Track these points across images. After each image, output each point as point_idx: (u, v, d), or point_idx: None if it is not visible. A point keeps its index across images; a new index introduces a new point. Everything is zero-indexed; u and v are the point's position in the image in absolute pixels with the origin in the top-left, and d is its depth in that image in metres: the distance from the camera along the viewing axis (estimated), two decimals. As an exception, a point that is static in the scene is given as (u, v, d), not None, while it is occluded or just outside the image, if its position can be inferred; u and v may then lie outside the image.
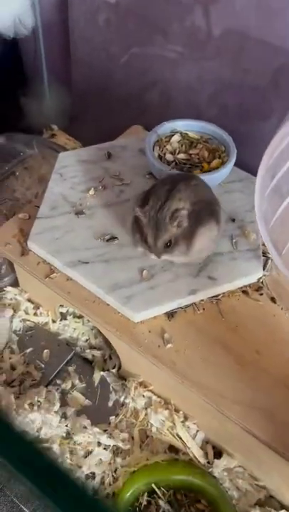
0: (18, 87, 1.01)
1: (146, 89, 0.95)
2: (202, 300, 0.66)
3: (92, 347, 0.80)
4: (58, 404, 0.70)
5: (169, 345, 0.62)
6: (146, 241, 0.62)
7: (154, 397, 0.72)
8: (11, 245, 0.72)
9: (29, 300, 0.83)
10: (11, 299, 0.83)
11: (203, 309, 0.66)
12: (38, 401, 0.70)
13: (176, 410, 0.70)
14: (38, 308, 0.82)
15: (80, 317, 0.81)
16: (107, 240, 0.71)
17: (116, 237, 0.71)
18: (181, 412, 0.70)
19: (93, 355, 0.78)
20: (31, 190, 0.95)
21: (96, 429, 0.69)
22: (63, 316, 0.82)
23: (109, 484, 0.67)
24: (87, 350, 0.79)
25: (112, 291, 0.65)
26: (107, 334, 0.69)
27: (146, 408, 0.71)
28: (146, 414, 0.71)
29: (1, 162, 0.92)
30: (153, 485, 0.66)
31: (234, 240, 0.71)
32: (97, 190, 0.78)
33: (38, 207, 0.75)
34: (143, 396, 0.72)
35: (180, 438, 0.69)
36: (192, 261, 0.66)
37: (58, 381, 0.75)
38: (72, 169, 0.80)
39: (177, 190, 0.62)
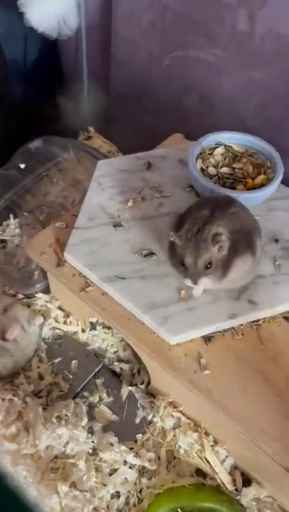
0: (56, 88, 0.98)
1: (188, 96, 0.91)
2: (241, 324, 0.63)
3: (120, 360, 0.78)
4: (85, 420, 0.69)
5: (206, 372, 0.59)
6: (182, 264, 0.59)
7: (184, 419, 0.69)
8: (47, 255, 0.70)
9: (60, 308, 0.81)
10: (41, 306, 0.81)
11: (242, 334, 0.63)
12: (66, 415, 0.69)
13: (206, 434, 0.68)
14: (68, 316, 0.81)
15: (109, 328, 0.79)
16: (145, 256, 0.68)
17: (154, 253, 0.68)
18: (210, 436, 0.67)
19: (121, 369, 0.76)
20: (65, 192, 0.93)
21: (123, 448, 0.67)
22: (93, 326, 0.80)
23: (134, 505, 0.65)
24: (116, 363, 0.77)
25: (149, 311, 0.62)
26: (140, 352, 0.66)
27: (174, 429, 0.69)
28: (174, 435, 0.69)
29: (37, 164, 0.89)
30: (179, 510, 0.64)
31: (277, 262, 0.68)
32: (135, 202, 0.75)
33: (76, 216, 0.73)
34: (172, 416, 0.70)
35: (208, 462, 0.67)
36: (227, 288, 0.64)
37: (86, 393, 0.73)
38: (111, 179, 0.77)
39: (215, 217, 0.59)
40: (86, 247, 0.69)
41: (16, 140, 0.91)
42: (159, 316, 0.62)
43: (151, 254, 0.69)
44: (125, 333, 0.64)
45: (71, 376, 0.74)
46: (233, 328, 0.64)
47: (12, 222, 0.91)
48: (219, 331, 0.63)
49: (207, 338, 0.63)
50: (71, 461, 0.66)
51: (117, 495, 0.66)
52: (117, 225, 0.72)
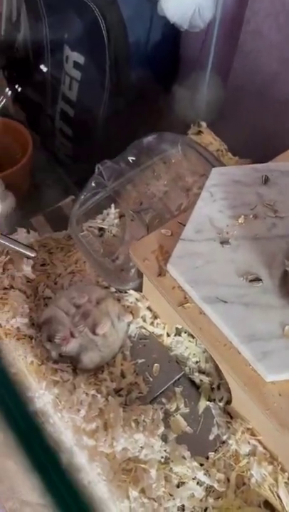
0: (174, 77, 0.92)
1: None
2: None
3: (201, 371, 0.75)
4: (162, 428, 0.67)
5: (300, 417, 0.54)
6: None
7: (260, 448, 0.66)
8: (149, 262, 0.67)
9: (149, 308, 0.78)
10: (131, 303, 0.79)
11: None
12: (144, 421, 0.67)
13: (282, 470, 0.64)
14: (156, 318, 0.78)
15: (194, 337, 0.76)
16: (250, 281, 0.63)
17: (260, 279, 0.63)
18: (286, 474, 0.63)
19: (201, 381, 0.74)
20: (166, 187, 0.89)
21: (195, 464, 0.65)
22: (178, 332, 0.77)
23: (198, 522, 0.63)
24: (196, 374, 0.74)
25: (248, 342, 0.58)
26: (227, 375, 0.63)
27: (249, 456, 0.66)
28: (248, 462, 0.66)
29: (145, 158, 0.85)
30: (242, 539, 0.61)
31: None
32: (247, 219, 0.69)
33: (182, 224, 0.68)
34: (248, 443, 0.67)
35: (280, 499, 0.63)
36: None
37: (164, 400, 0.71)
38: (224, 189, 0.71)
39: None
40: (190, 261, 0.65)
41: (130, 130, 0.87)
42: (258, 350, 0.58)
43: (257, 280, 0.63)
44: (219, 358, 0.60)
45: (151, 379, 0.72)
46: None
47: (112, 211, 0.88)
48: None
49: (305, 382, 0.58)
50: (143, 466, 0.65)
51: (182, 508, 0.64)
52: (224, 241, 0.67)
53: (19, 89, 1.00)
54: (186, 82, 0.94)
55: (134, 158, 0.85)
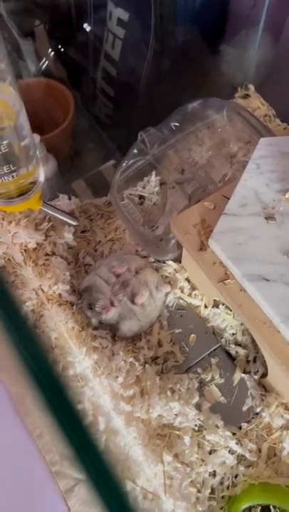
0: (221, 35, 0.85)
1: None
2: None
3: (237, 343, 0.74)
4: (196, 398, 0.67)
5: None
6: None
7: (293, 423, 0.65)
8: (190, 236, 0.65)
9: (187, 280, 0.77)
10: (169, 273, 0.78)
11: None
12: (180, 389, 0.67)
13: (314, 446, 0.63)
14: (194, 289, 0.77)
15: (231, 310, 0.75)
16: (295, 259, 0.60)
17: (305, 258, 0.59)
18: None
19: (237, 352, 0.73)
20: (209, 153, 0.84)
21: (227, 433, 0.66)
22: (216, 304, 0.75)
23: (228, 487, 0.65)
24: (232, 346, 0.73)
25: (289, 322, 0.56)
26: (265, 351, 0.61)
27: (282, 429, 0.66)
28: (280, 435, 0.65)
29: (189, 124, 0.81)
30: (271, 507, 0.62)
31: None
32: (294, 194, 0.65)
33: (226, 198, 0.65)
34: (282, 417, 0.66)
35: (310, 472, 0.63)
36: None
37: (199, 370, 0.71)
38: (272, 162, 0.67)
39: None
40: (233, 236, 0.62)
41: (173, 93, 0.82)
42: (299, 331, 0.55)
43: (301, 259, 0.60)
44: (258, 337, 0.59)
45: (187, 349, 0.72)
46: None
47: (153, 179, 0.85)
48: None
49: None
50: (177, 433, 0.66)
51: (213, 474, 0.65)
52: (269, 217, 0.63)
53: (62, 50, 0.95)
54: (234, 41, 0.87)
55: (177, 124, 0.81)
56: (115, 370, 0.68)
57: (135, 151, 0.82)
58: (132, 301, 0.70)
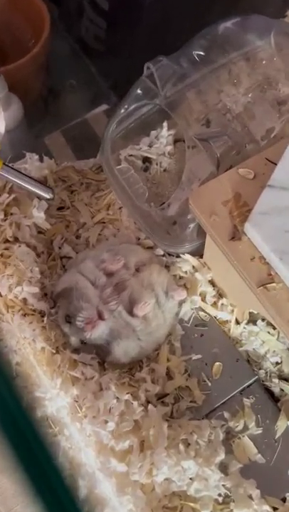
0: None
1: None
2: None
3: (282, 377, 0.75)
4: (222, 455, 0.68)
5: None
6: None
7: None
8: (218, 218, 0.65)
9: (211, 282, 0.78)
10: (185, 273, 0.79)
11: None
12: (197, 442, 0.68)
13: None
14: (221, 297, 0.77)
15: (275, 328, 0.75)
16: None
17: None
18: None
19: (282, 390, 0.74)
20: (248, 97, 0.84)
21: (266, 507, 0.66)
22: (252, 319, 0.76)
23: None
24: (275, 380, 0.74)
25: None
26: None
27: None
28: None
29: (219, 53, 0.81)
30: None
31: None
32: None
33: (272, 163, 0.66)
34: None
35: None
36: None
37: (226, 414, 0.72)
38: None
39: None
40: (280, 220, 0.63)
41: (195, 9, 0.82)
42: None
43: None
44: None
45: (210, 384, 0.73)
46: None
47: (165, 133, 0.86)
48: None
49: None
50: (192, 505, 0.66)
51: None
52: None
53: None
54: None
55: (202, 54, 0.81)
56: (104, 412, 0.68)
57: (139, 91, 0.82)
58: (130, 312, 0.71)
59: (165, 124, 0.85)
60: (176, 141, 0.85)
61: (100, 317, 0.68)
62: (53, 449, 0.34)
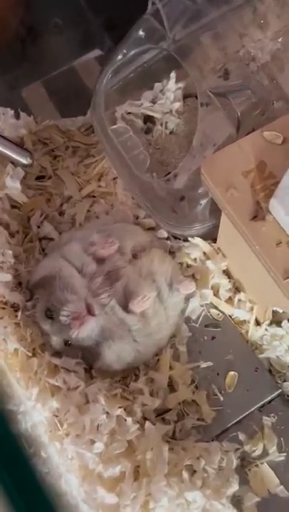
0: None
1: None
2: None
3: (312, 391, 0.75)
4: (235, 485, 0.69)
5: None
6: None
7: None
8: (238, 193, 0.66)
9: (226, 273, 0.78)
10: (194, 260, 0.79)
11: None
12: (205, 469, 0.69)
13: None
14: (238, 291, 0.78)
15: (304, 330, 0.76)
16: None
17: None
18: None
19: (311, 408, 0.74)
20: (277, 43, 0.85)
21: None
22: (276, 320, 0.77)
23: None
24: (302, 395, 0.75)
25: None
26: None
27: None
28: None
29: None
30: None
31: None
32: None
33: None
34: None
35: None
36: None
37: (241, 436, 0.73)
38: None
39: None
40: (315, 196, 0.63)
41: None
42: None
43: None
44: None
45: (222, 398, 0.74)
46: None
47: (172, 86, 0.86)
48: None
49: None
50: None
51: None
52: None
53: None
54: None
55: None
56: (90, 430, 0.68)
57: (141, 33, 0.82)
58: (126, 308, 0.71)
59: (173, 74, 0.86)
60: (186, 96, 0.86)
61: (90, 312, 0.68)
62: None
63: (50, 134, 0.86)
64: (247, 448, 0.71)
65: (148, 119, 0.85)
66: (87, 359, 0.73)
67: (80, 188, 0.83)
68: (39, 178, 0.84)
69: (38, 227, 0.81)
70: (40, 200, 0.82)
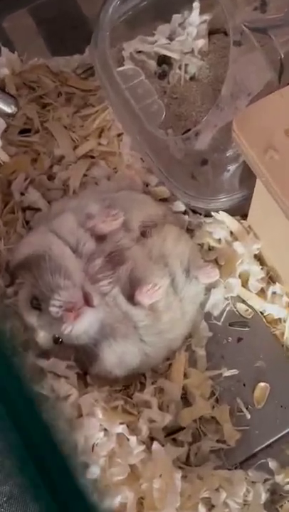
0: None
1: None
2: None
3: None
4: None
5: None
6: None
7: None
8: (279, 155, 0.67)
9: (258, 258, 0.80)
10: (218, 241, 0.80)
11: None
12: (226, 503, 0.70)
13: None
14: (273, 282, 0.80)
15: None
16: None
17: None
18: None
19: None
20: None
21: None
22: (317, 317, 0.78)
23: None
24: None
25: None
26: None
27: None
28: None
29: None
30: None
31: None
32: None
33: None
34: None
35: None
36: None
37: (272, 463, 0.74)
38: None
39: None
40: None
41: None
42: None
43: None
44: None
45: (249, 415, 0.75)
46: None
47: (195, 19, 0.86)
48: None
49: None
50: None
51: None
52: None
53: None
54: None
55: None
56: (83, 451, 0.69)
57: None
58: (131, 299, 0.72)
59: (196, 3, 0.86)
60: (212, 32, 0.87)
61: (88, 302, 0.68)
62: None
63: (39, 76, 0.86)
64: (279, 479, 0.73)
65: (163, 61, 0.86)
66: (82, 362, 0.73)
67: (75, 145, 0.83)
68: (23, 131, 0.85)
69: (22, 194, 0.81)
70: (25, 159, 0.83)
